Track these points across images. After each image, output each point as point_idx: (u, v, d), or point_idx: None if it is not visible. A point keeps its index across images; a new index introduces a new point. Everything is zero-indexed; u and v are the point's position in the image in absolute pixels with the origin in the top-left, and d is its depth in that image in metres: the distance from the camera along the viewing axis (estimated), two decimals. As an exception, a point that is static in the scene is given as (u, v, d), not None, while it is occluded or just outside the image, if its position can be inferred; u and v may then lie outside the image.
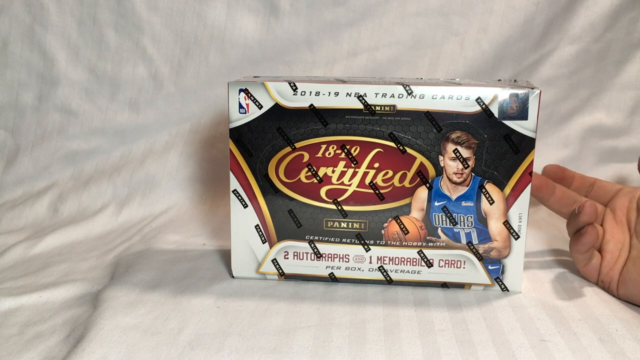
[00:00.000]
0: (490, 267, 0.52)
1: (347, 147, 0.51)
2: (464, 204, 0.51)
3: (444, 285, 0.53)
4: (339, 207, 0.52)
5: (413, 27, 0.77)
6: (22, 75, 0.80)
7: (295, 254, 0.54)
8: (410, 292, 0.53)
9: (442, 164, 0.51)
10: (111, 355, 0.43)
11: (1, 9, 0.78)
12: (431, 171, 0.51)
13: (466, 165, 0.50)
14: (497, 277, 0.52)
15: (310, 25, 0.78)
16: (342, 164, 0.51)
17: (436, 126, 0.50)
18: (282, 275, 0.55)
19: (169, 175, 0.80)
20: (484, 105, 0.49)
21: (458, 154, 0.50)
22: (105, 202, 0.77)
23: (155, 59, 0.79)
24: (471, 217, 0.51)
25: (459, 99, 0.49)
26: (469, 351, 0.43)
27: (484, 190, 0.51)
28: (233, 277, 0.56)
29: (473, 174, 0.51)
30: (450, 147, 0.50)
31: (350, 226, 0.53)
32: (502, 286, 0.53)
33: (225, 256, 0.62)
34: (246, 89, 0.51)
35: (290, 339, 0.45)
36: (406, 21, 0.77)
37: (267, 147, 0.52)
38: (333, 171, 0.52)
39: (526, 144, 0.49)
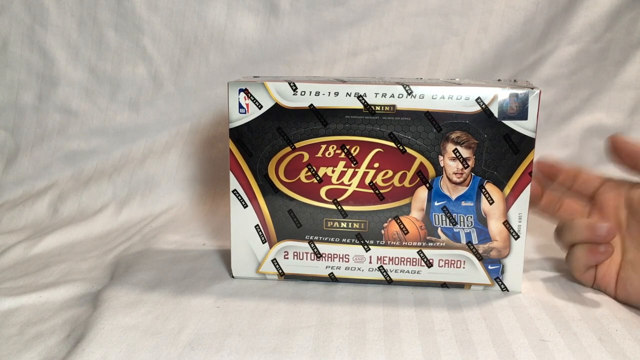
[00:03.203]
0: (490, 267, 0.52)
1: (347, 147, 0.51)
2: (463, 204, 0.51)
3: (444, 285, 0.53)
4: (339, 207, 0.52)
5: (413, 27, 0.77)
6: (22, 75, 0.80)
7: (295, 254, 0.54)
8: (410, 292, 0.53)
9: (442, 164, 0.51)
10: (111, 355, 0.43)
11: (1, 9, 0.78)
12: (431, 171, 0.51)
13: (466, 165, 0.50)
14: (497, 277, 0.52)
15: (310, 25, 0.78)
16: (342, 164, 0.51)
17: (436, 126, 0.50)
18: (282, 275, 0.55)
19: (169, 175, 0.80)
20: (483, 105, 0.49)
21: (458, 154, 0.50)
22: (105, 202, 0.77)
23: (155, 59, 0.79)
24: (471, 217, 0.51)
25: (459, 99, 0.49)
26: (469, 351, 0.43)
27: (483, 190, 0.51)
28: (233, 277, 0.56)
29: (473, 174, 0.51)
30: (450, 147, 0.50)
31: (350, 226, 0.53)
32: (502, 286, 0.53)
33: (225, 256, 0.62)
34: (246, 89, 0.51)
35: (290, 339, 0.45)
36: (406, 21, 0.77)
37: (267, 147, 0.52)
38: (333, 171, 0.52)
39: (526, 144, 0.49)
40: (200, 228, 0.71)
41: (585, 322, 0.48)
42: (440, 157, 0.51)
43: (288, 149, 0.52)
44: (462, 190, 0.51)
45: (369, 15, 0.77)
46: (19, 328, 0.48)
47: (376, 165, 0.51)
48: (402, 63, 0.78)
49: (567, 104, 0.79)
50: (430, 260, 0.53)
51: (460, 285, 0.53)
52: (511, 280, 0.52)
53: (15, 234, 0.70)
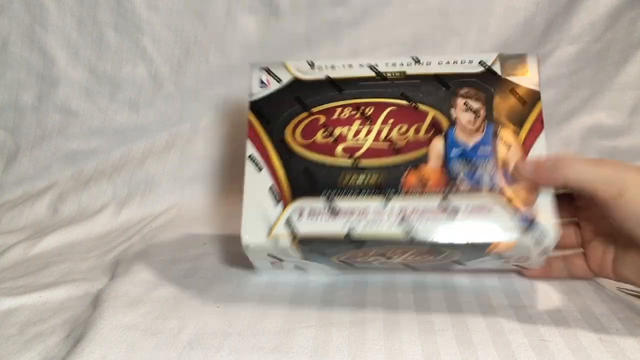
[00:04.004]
0: (519, 218, 0.50)
1: (362, 108, 0.53)
2: (481, 150, 0.51)
3: (467, 245, 0.49)
4: (355, 163, 0.52)
5: (413, 27, 0.77)
6: (22, 75, 0.80)
7: (311, 212, 0.52)
8: (411, 292, 0.53)
9: (454, 116, 0.52)
10: (111, 355, 0.43)
11: (1, 8, 0.78)
12: (444, 123, 0.52)
13: (478, 115, 0.52)
14: (527, 221, 0.49)
15: (310, 25, 0.78)
16: (357, 122, 0.53)
17: (445, 85, 0.52)
18: (296, 238, 0.51)
19: (169, 175, 0.80)
20: (487, 67, 0.52)
21: (469, 106, 0.52)
22: (105, 202, 0.77)
23: (155, 58, 0.79)
24: (491, 161, 0.51)
25: (464, 62, 0.52)
26: (469, 351, 0.43)
27: (499, 136, 0.51)
28: (242, 243, 0.51)
29: (486, 121, 0.51)
30: (460, 100, 0.52)
31: (367, 181, 0.52)
32: (536, 233, 0.49)
33: (226, 256, 0.62)
34: (267, 67, 0.54)
35: (290, 339, 0.45)
36: (406, 21, 0.77)
37: (285, 114, 0.53)
38: (348, 130, 0.53)
39: (532, 96, 0.51)
40: (200, 228, 0.71)
41: (585, 322, 0.48)
42: (453, 110, 0.52)
43: (305, 114, 0.53)
44: (478, 137, 0.51)
45: (369, 15, 0.77)
46: (19, 328, 0.48)
47: (391, 121, 0.52)
48: (402, 63, 0.78)
49: (567, 104, 0.79)
50: (455, 208, 0.50)
51: (485, 246, 0.49)
52: (544, 221, 0.49)
53: (15, 234, 0.70)
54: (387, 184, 0.52)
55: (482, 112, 0.52)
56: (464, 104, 0.52)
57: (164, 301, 0.51)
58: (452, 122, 0.52)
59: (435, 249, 0.50)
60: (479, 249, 0.50)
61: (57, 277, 0.58)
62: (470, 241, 0.50)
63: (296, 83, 0.54)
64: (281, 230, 0.51)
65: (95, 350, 0.43)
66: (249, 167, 0.53)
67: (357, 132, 0.53)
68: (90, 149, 0.80)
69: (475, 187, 0.51)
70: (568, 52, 0.77)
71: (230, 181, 0.80)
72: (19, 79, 0.80)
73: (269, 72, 0.54)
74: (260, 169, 0.53)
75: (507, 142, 0.51)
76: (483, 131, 0.51)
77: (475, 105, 0.52)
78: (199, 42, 0.78)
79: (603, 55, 0.77)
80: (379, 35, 0.78)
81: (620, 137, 0.79)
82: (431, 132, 0.52)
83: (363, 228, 0.51)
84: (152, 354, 0.43)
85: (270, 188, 0.53)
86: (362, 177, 0.52)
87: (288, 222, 0.51)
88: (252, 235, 0.52)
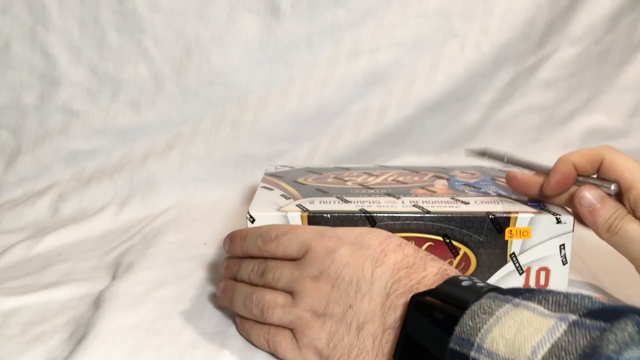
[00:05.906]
0: (530, 204, 0.50)
1: None
2: (483, 181, 0.57)
3: (488, 217, 0.48)
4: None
5: (413, 29, 0.77)
6: (24, 75, 0.80)
7: (322, 202, 0.52)
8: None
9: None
10: (113, 355, 0.43)
11: (3, 9, 0.78)
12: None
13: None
14: (541, 208, 0.49)
15: (311, 26, 0.78)
16: None
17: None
18: (306, 212, 0.49)
19: (170, 175, 0.80)
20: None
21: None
22: (106, 201, 0.77)
23: (156, 59, 0.79)
24: (493, 186, 0.55)
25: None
26: (470, 352, 0.44)
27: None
28: (249, 217, 0.49)
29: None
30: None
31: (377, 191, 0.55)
32: (554, 213, 0.48)
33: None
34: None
35: (292, 339, 0.45)
36: (407, 22, 0.77)
37: None
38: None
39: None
40: (201, 227, 0.71)
41: (585, 323, 0.48)
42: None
43: None
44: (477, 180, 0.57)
45: (370, 17, 0.77)
46: (21, 328, 0.48)
47: None
48: (402, 64, 0.78)
49: (568, 105, 0.79)
50: (466, 202, 0.50)
51: (506, 219, 0.48)
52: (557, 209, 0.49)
53: (16, 233, 0.70)
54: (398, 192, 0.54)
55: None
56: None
57: (166, 301, 0.52)
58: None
59: (451, 227, 0.48)
60: (499, 222, 0.48)
61: (59, 277, 0.58)
62: (490, 211, 0.48)
63: None
64: (291, 207, 0.50)
65: (97, 350, 0.43)
66: None
67: None
68: (91, 149, 0.81)
69: (482, 193, 0.53)
70: (568, 53, 0.77)
71: (230, 181, 0.80)
72: (21, 80, 0.80)
73: None
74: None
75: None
76: (480, 178, 0.58)
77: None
78: (200, 42, 0.79)
79: (603, 57, 0.77)
80: (380, 37, 0.78)
81: (620, 139, 0.79)
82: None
83: (376, 208, 0.49)
84: (155, 354, 0.43)
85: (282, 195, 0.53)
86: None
87: (299, 205, 0.50)
88: (260, 209, 0.49)
